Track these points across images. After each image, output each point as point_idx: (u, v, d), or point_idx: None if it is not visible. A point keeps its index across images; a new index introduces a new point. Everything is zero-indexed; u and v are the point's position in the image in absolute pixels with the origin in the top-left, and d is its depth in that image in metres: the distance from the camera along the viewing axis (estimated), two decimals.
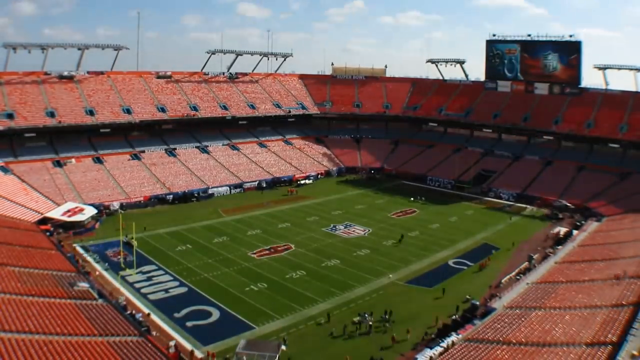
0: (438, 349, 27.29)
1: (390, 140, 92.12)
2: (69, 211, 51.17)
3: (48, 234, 46.04)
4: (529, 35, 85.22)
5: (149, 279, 38.48)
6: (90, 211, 52.46)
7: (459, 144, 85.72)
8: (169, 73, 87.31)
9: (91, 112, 70.96)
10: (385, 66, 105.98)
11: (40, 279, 31.73)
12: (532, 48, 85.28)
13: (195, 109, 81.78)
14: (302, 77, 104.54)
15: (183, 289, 36.82)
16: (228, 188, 68.59)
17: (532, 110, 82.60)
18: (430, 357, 26.60)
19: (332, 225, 54.35)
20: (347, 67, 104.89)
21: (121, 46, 79.16)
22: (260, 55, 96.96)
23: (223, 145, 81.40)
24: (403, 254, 45.42)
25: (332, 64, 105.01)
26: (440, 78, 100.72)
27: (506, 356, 24.43)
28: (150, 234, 49.25)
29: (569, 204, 61.39)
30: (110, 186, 62.19)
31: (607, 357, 20.93)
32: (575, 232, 50.31)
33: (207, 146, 79.40)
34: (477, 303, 33.86)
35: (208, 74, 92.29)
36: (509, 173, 74.77)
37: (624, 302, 28.24)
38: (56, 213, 50.76)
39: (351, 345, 29.36)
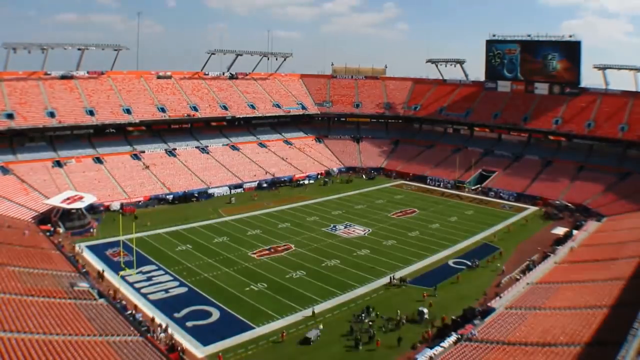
0: (438, 349, 27.31)
1: (390, 140, 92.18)
2: (68, 199, 51.23)
3: (48, 234, 46.08)
4: (529, 35, 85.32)
5: (149, 279, 38.47)
6: (90, 199, 52.64)
7: (459, 144, 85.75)
8: (169, 73, 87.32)
9: (91, 112, 70.95)
10: (385, 66, 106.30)
11: (40, 279, 31.74)
12: (532, 48, 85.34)
13: (195, 109, 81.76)
14: (302, 77, 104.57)
15: (183, 289, 36.81)
16: (228, 188, 68.59)
17: (532, 110, 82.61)
18: (430, 357, 26.62)
19: (332, 225, 54.34)
20: (347, 67, 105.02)
21: (121, 46, 79.19)
22: (260, 55, 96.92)
23: (223, 145, 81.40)
24: (403, 254, 45.41)
25: (332, 64, 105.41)
26: (440, 78, 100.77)
27: (506, 356, 24.44)
28: (150, 234, 49.30)
29: (569, 204, 61.40)
30: (110, 186, 62.19)
31: (607, 357, 20.88)
32: (575, 232, 50.31)
33: (207, 146, 79.39)
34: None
35: (208, 74, 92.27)
36: (509, 173, 74.82)
37: (623, 302, 28.23)
38: (56, 201, 50.88)
39: (351, 345, 29.34)
